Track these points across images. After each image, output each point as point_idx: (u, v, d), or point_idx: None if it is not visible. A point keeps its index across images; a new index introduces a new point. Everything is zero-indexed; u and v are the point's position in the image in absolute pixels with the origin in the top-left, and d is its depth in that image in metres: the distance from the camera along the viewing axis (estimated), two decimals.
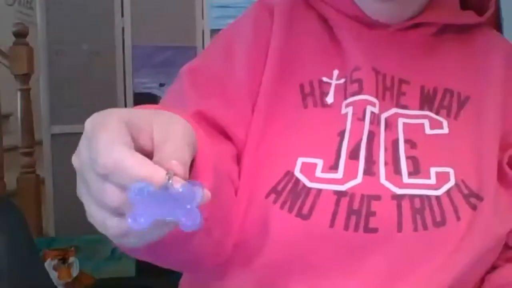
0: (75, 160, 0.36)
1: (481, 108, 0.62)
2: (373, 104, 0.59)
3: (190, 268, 0.58)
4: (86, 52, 2.19)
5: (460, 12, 0.67)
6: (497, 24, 1.30)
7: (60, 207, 2.10)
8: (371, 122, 0.58)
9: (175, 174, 0.34)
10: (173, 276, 0.63)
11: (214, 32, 2.28)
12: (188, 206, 0.33)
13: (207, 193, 0.34)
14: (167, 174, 0.33)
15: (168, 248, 0.44)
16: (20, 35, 2.01)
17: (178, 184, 0.33)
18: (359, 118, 0.58)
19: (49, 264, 1.79)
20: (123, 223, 0.34)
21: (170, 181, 0.33)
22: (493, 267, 0.60)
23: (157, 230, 0.36)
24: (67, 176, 2.06)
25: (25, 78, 2.03)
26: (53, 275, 1.78)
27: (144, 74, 2.32)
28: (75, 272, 1.82)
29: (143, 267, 1.83)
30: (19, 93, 2.03)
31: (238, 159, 0.60)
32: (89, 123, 0.36)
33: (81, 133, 0.36)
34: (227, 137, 0.59)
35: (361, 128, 0.58)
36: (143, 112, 0.38)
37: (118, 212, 0.34)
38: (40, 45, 2.12)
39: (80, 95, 2.14)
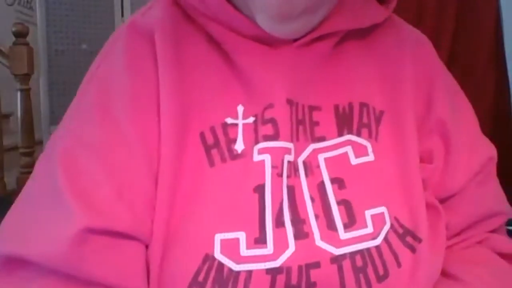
0: None
1: (397, 124, 0.54)
2: (289, 152, 0.50)
3: None
4: (86, 52, 2.19)
5: (363, 11, 0.56)
6: (497, 24, 1.30)
7: None
8: (288, 176, 0.49)
9: None
10: None
11: None
12: None
13: None
14: None
15: None
16: (20, 35, 2.00)
17: None
18: (279, 173, 0.48)
19: None
20: None
21: None
22: None
23: None
24: None
25: (25, 78, 2.03)
26: None
27: None
28: None
29: None
30: (19, 93, 2.03)
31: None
32: None
33: None
34: (132, 237, 0.46)
35: (280, 185, 0.48)
36: None
37: None
38: (40, 45, 2.11)
39: None
